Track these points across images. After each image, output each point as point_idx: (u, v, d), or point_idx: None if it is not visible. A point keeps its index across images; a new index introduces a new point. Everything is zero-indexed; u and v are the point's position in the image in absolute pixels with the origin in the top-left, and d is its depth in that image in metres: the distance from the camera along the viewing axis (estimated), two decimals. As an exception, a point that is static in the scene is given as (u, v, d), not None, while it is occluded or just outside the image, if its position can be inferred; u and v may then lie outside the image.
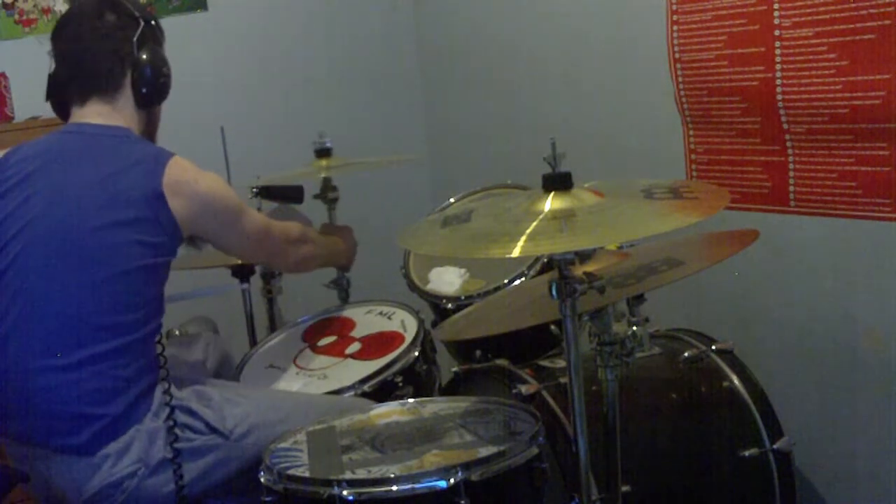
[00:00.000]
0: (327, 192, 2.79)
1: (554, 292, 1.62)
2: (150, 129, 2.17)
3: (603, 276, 1.62)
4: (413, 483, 1.63)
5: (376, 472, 1.69)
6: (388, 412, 1.98)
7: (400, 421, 1.93)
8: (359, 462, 1.74)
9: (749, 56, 2.26)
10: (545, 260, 2.30)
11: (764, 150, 2.29)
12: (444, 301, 2.41)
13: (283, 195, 2.60)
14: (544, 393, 2.05)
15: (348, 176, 2.87)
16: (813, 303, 2.31)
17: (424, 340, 2.35)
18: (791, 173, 2.25)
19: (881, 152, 2.06)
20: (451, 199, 2.64)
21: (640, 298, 1.75)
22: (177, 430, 1.94)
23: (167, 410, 1.95)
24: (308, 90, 3.53)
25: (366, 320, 2.53)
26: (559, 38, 2.95)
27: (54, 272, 1.94)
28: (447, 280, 2.47)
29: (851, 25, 2.05)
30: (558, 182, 1.67)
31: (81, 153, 2.04)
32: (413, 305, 2.51)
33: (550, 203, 1.65)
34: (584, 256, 1.73)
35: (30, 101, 2.94)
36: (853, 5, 2.03)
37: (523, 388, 2.05)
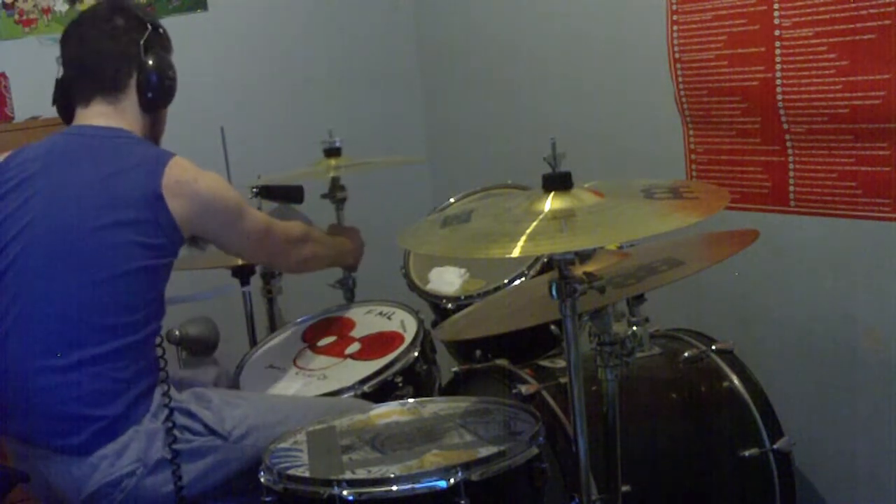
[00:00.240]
0: (336, 192, 2.75)
1: (554, 292, 1.62)
2: (154, 132, 2.17)
3: (603, 276, 1.62)
4: (413, 483, 1.63)
5: (376, 472, 1.69)
6: (388, 412, 1.98)
7: (400, 421, 1.93)
8: (359, 462, 1.74)
9: (749, 56, 2.26)
10: (545, 260, 2.30)
11: (764, 150, 2.29)
12: (444, 301, 2.41)
13: (284, 195, 2.60)
14: (544, 393, 2.05)
15: (348, 176, 2.87)
16: (813, 303, 2.31)
17: (424, 340, 2.35)
18: (791, 173, 2.25)
19: (881, 152, 2.06)
20: (451, 199, 2.63)
21: (640, 298, 1.75)
22: (175, 432, 1.94)
23: (166, 412, 1.94)
24: (308, 90, 3.53)
25: (365, 320, 2.52)
26: (559, 38, 2.95)
27: (54, 273, 1.94)
28: (447, 280, 2.47)
29: (851, 25, 2.04)
30: (558, 182, 1.66)
31: (82, 154, 2.04)
32: (413, 305, 2.51)
33: (550, 203, 1.64)
34: (584, 256, 1.73)
35: (30, 101, 2.95)
36: (853, 5, 2.03)
37: (523, 388, 2.05)
